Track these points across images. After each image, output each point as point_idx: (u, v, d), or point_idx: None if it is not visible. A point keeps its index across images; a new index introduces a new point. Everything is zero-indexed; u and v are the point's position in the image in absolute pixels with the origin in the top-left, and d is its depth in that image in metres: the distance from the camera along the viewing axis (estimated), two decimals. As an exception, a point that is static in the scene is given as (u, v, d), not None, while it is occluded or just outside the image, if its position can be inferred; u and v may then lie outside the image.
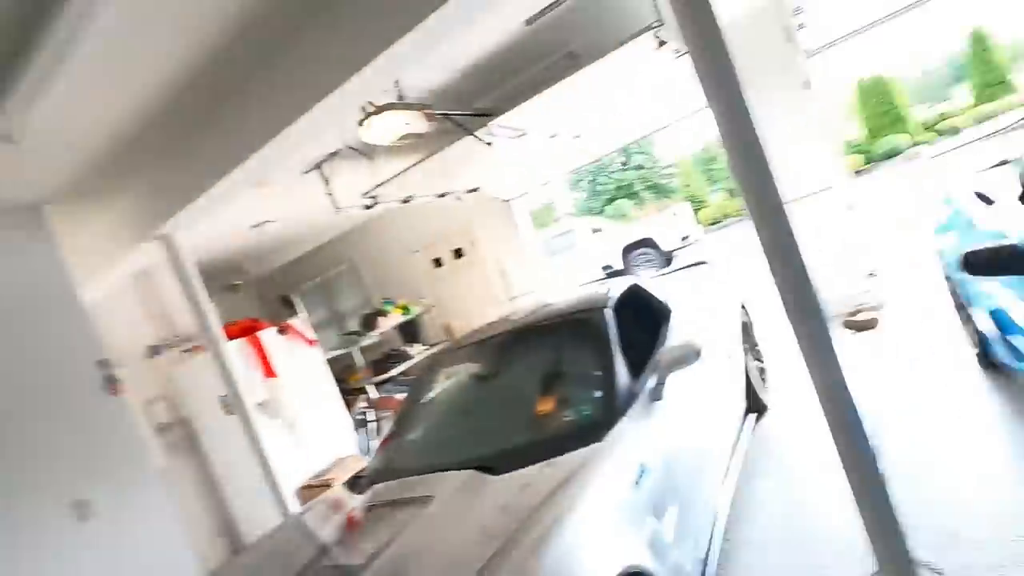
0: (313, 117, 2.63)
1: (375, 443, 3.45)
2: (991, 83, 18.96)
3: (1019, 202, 2.69)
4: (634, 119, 5.69)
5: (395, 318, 6.43)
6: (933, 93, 33.02)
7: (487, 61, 3.64)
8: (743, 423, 3.41)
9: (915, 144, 18.16)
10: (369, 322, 6.10)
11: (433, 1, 2.10)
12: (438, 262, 7.53)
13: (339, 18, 2.41)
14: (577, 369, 2.69)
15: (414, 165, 4.16)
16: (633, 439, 2.14)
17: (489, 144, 3.93)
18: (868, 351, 4.10)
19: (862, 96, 19.98)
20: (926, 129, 18.98)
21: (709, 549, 2.29)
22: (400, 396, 5.77)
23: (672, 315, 3.29)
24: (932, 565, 2.02)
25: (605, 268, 14.11)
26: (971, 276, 2.17)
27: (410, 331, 6.95)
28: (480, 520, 1.90)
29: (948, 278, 3.48)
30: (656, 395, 2.43)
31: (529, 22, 3.32)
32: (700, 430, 2.72)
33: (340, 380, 5.51)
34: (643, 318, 3.29)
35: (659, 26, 3.14)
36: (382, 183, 4.22)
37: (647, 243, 13.84)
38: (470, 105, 3.98)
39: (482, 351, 3.24)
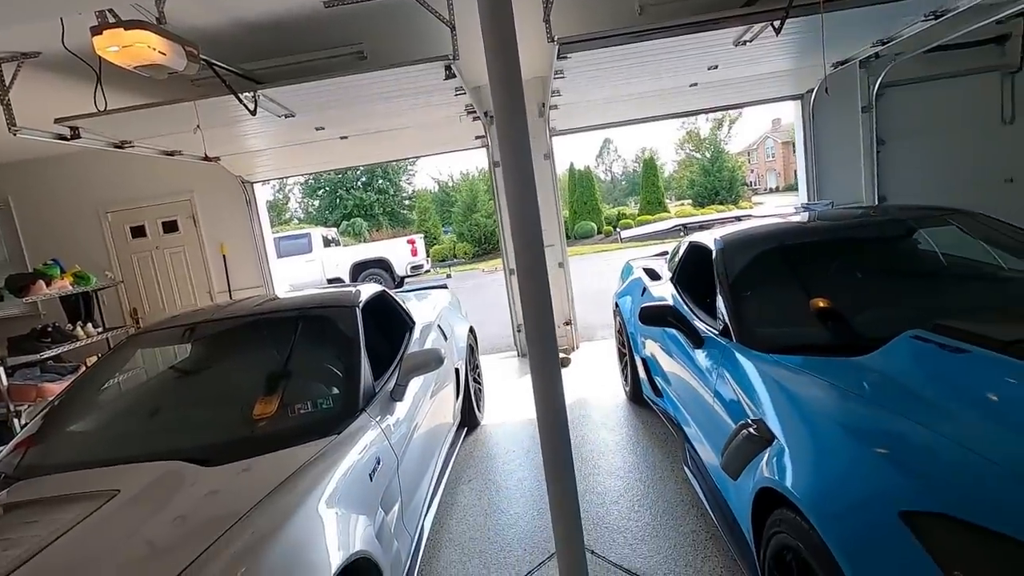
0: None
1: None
2: (652, 201, 25.35)
3: (670, 282, 3.69)
4: (398, 141, 5.84)
5: (61, 287, 5.04)
6: (613, 197, 42.24)
7: (274, 24, 3.35)
8: (459, 435, 3.72)
9: (600, 232, 22.91)
10: (19, 285, 4.64)
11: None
12: (139, 231, 6.24)
13: None
14: (318, 363, 2.58)
15: (150, 106, 3.46)
16: (371, 434, 2.16)
17: (253, 113, 3.55)
18: (558, 383, 4.93)
19: (571, 183, 24.35)
20: (607, 223, 24.06)
21: (420, 543, 2.41)
22: (48, 385, 4.52)
23: (415, 327, 3.44)
24: (590, 547, 2.53)
25: (332, 282, 13.70)
26: (642, 325, 2.89)
27: (81, 308, 5.52)
28: (186, 516, 1.64)
29: (619, 332, 4.50)
30: (397, 395, 2.51)
31: (328, 4, 3.21)
32: (428, 435, 2.87)
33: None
34: (388, 324, 3.36)
35: (452, 60, 3.39)
36: (95, 114, 3.38)
37: (381, 264, 13.98)
38: (240, 65, 3.57)
39: (202, 336, 2.83)
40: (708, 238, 3.18)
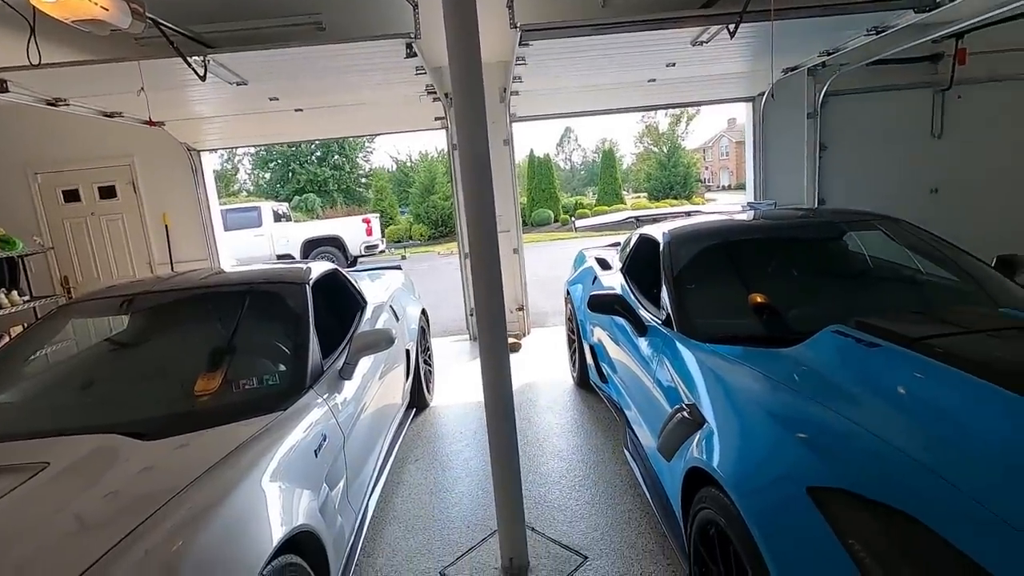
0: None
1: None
2: (610, 192, 25.73)
3: (620, 272, 3.81)
4: (356, 117, 5.71)
5: (-17, 251, 4.72)
6: (572, 186, 42.62)
7: (228, -14, 3.22)
8: (408, 416, 3.74)
9: (557, 220, 23.12)
10: (-65, 247, 4.31)
11: None
12: (73, 196, 5.88)
13: None
14: (265, 339, 2.54)
15: (89, 63, 3.25)
16: (318, 412, 2.15)
17: (202, 79, 3.40)
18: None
19: (530, 170, 24.40)
20: (564, 212, 24.26)
21: (364, 519, 2.44)
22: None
23: (367, 307, 3.42)
24: (530, 524, 2.62)
25: (281, 259, 13.32)
26: (592, 313, 2.98)
27: (5, 274, 5.18)
28: (119, 491, 1.60)
29: (570, 319, 4.60)
30: (346, 374, 2.51)
31: (286, -29, 3.11)
32: (376, 414, 2.88)
33: None
34: (339, 303, 3.33)
35: (413, 38, 3.35)
36: (27, 67, 3.16)
37: (334, 242, 13.67)
38: (189, 27, 3.40)
39: (142, 308, 2.74)
40: (657, 231, 3.29)
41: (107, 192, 5.90)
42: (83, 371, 2.49)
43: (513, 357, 5.28)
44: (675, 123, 37.18)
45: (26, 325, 5.02)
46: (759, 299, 2.53)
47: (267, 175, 31.12)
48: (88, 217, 5.95)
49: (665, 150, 32.99)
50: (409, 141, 47.78)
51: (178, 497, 1.49)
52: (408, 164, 30.26)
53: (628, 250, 3.84)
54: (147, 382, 2.34)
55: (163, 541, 1.34)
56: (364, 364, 2.76)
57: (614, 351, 3.26)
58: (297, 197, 27.85)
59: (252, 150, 31.08)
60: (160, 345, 2.65)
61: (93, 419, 2.08)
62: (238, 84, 3.96)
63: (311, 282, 2.82)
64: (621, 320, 2.93)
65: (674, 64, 4.64)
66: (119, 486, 1.62)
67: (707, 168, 49.53)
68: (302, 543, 1.71)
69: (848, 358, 1.85)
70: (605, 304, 2.79)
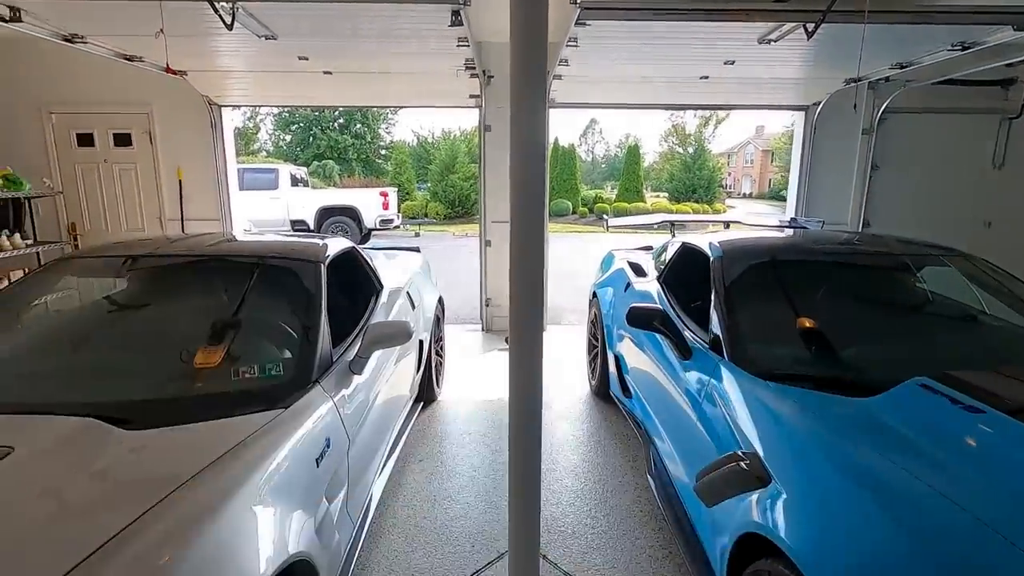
0: None
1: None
2: (631, 188, 25.28)
3: (656, 281, 3.54)
4: (387, 87, 5.42)
5: (-12, 189, 4.50)
6: (591, 179, 42.10)
7: (265, -73, 2.93)
8: (414, 410, 3.51)
9: (575, 211, 22.76)
10: (-63, 180, 4.10)
11: None
12: (87, 140, 5.65)
13: None
14: (272, 322, 2.30)
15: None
16: (323, 411, 1.92)
17: (229, 28, 3.14)
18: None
19: (553, 159, 23.95)
20: (583, 204, 23.85)
21: (363, 529, 2.22)
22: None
23: (383, 291, 3.18)
24: (543, 551, 2.39)
25: (295, 224, 13.12)
26: (629, 326, 2.73)
27: (9, 215, 4.98)
28: (90, 495, 1.38)
29: (593, 322, 4.34)
30: (357, 368, 2.27)
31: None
32: (383, 411, 2.65)
33: None
34: (353, 285, 3.10)
35: (462, 4, 3.06)
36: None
37: (349, 212, 13.43)
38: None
39: (144, 271, 2.51)
40: (703, 242, 3.02)
41: (122, 140, 5.66)
42: (69, 336, 2.26)
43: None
44: (703, 125, 36.47)
45: (27, 271, 4.83)
46: (823, 334, 2.26)
47: (288, 137, 30.87)
48: (101, 164, 5.72)
49: (691, 151, 32.37)
50: (433, 117, 47.19)
51: (154, 511, 1.26)
52: (430, 141, 29.87)
53: (666, 258, 3.57)
54: (138, 356, 2.10)
55: (126, 572, 1.11)
56: (375, 355, 2.52)
57: (645, 367, 3.01)
58: (316, 162, 27.60)
59: (275, 110, 30.81)
60: (156, 316, 2.41)
61: (73, 395, 1.85)
62: (267, 38, 3.68)
63: (327, 261, 2.58)
64: (659, 336, 2.67)
65: (733, 62, 4.31)
66: (88, 488, 1.39)
67: (730, 174, 48.73)
68: (295, 571, 1.48)
69: (943, 421, 1.58)
70: (645, 319, 2.53)
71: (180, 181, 5.74)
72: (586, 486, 2.94)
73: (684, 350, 2.43)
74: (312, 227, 13.20)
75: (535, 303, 1.93)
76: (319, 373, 2.08)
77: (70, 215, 5.79)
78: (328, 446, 1.85)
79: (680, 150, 34.60)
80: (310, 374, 2.04)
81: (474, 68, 4.70)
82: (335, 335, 2.35)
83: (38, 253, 5.14)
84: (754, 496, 1.57)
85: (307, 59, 4.40)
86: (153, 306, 2.49)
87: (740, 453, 1.70)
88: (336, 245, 2.89)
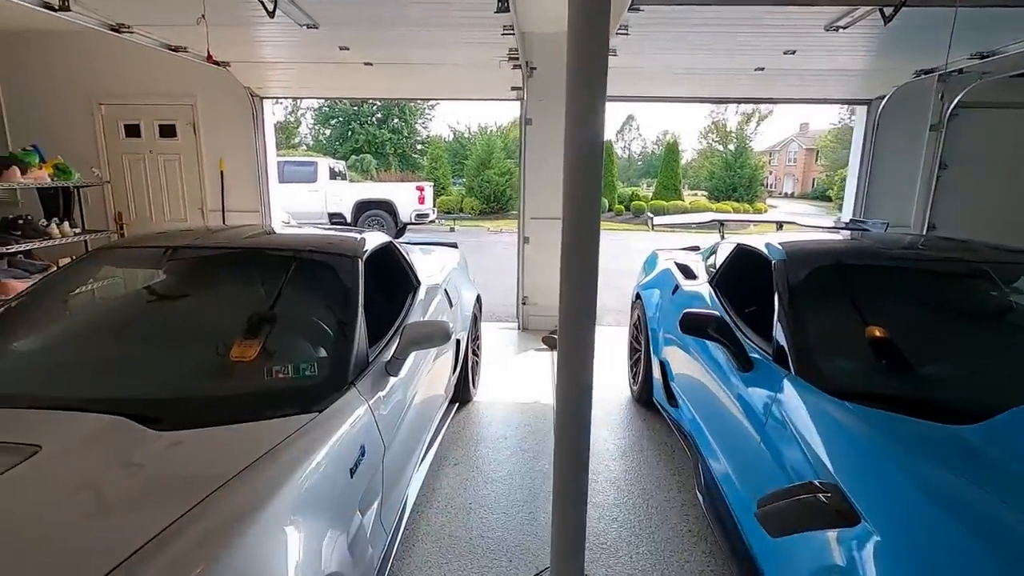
0: None
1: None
2: (668, 186, 24.73)
3: (708, 284, 3.33)
4: (427, 78, 5.32)
5: (39, 177, 4.59)
6: (627, 176, 41.44)
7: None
8: (449, 411, 3.41)
9: (611, 209, 22.39)
10: (-10, 169, 4.20)
11: None
12: (134, 131, 5.75)
13: None
14: (307, 320, 2.22)
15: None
16: (359, 416, 1.81)
17: (271, 15, 3.07)
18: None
19: (592, 155, 23.55)
20: (619, 202, 23.42)
21: (395, 540, 2.12)
22: (12, 282, 4.14)
23: (419, 289, 3.07)
24: (586, 570, 2.24)
25: (332, 217, 13.24)
26: (682, 332, 2.55)
27: (59, 203, 5.08)
28: (118, 495, 1.31)
29: (636, 325, 4.15)
30: (393, 369, 2.16)
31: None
32: (419, 414, 2.54)
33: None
34: (390, 281, 3.00)
35: (509, -9, 2.92)
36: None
37: (385, 206, 13.48)
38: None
39: (180, 263, 2.46)
40: (760, 243, 2.80)
41: (167, 131, 5.73)
42: (101, 328, 2.22)
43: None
44: (745, 122, 35.40)
45: (74, 259, 4.92)
46: (906, 349, 2.04)
47: (327, 132, 31.33)
48: (147, 154, 5.80)
49: (732, 149, 31.46)
50: (470, 112, 47.34)
51: (177, 525, 1.17)
52: (466, 136, 29.88)
53: (718, 260, 3.36)
54: (171, 352, 2.04)
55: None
56: (413, 354, 2.41)
57: (695, 375, 2.82)
58: (354, 156, 27.93)
59: (315, 104, 31.31)
60: (190, 308, 2.35)
61: (103, 390, 1.79)
62: (308, 27, 3.62)
63: (364, 256, 2.48)
64: (712, 344, 2.48)
65: (794, 52, 4.05)
66: (113, 492, 1.32)
67: (771, 173, 47.23)
68: (324, 592, 1.37)
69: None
70: (700, 326, 2.34)
71: (222, 172, 5.78)
72: (629, 499, 2.78)
73: (744, 361, 2.24)
74: (349, 220, 13.30)
75: (587, 315, 1.79)
76: (355, 374, 1.97)
77: (117, 204, 5.90)
78: (363, 454, 1.74)
79: (720, 147, 33.71)
80: (346, 375, 1.94)
81: (517, 59, 4.56)
82: (371, 333, 2.25)
83: (86, 241, 5.24)
84: (833, 534, 1.38)
85: (348, 49, 4.33)
86: (187, 299, 2.43)
87: (818, 483, 1.51)
88: (374, 239, 2.80)
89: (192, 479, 1.35)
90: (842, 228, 4.33)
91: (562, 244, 1.79)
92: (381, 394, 2.04)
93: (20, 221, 4.45)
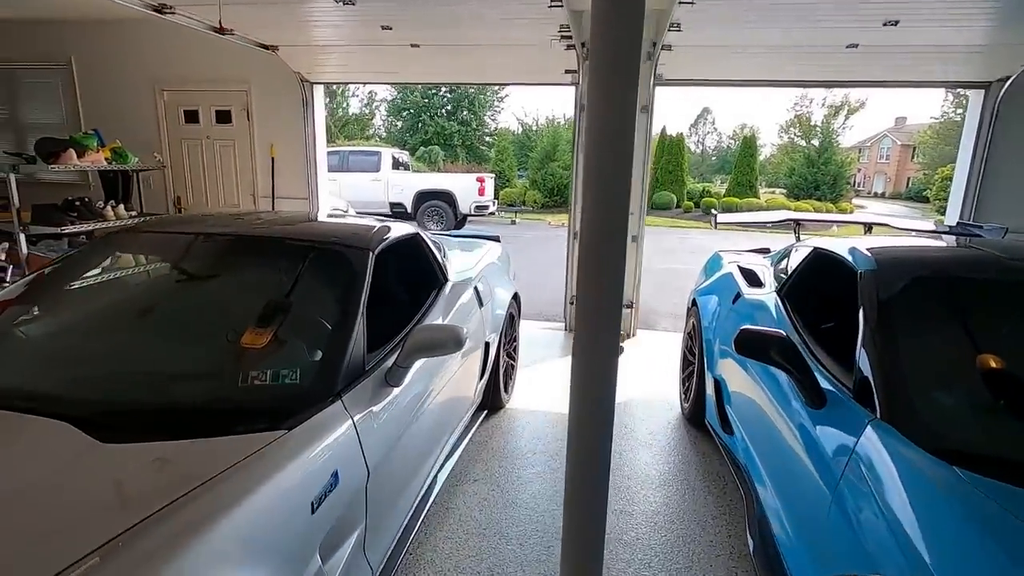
0: None
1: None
2: (743, 183, 23.35)
3: (775, 294, 2.86)
4: (476, 61, 5.03)
5: (96, 159, 4.71)
6: (700, 171, 39.68)
7: None
8: (476, 419, 3.14)
9: (679, 205, 21.40)
10: (49, 151, 4.31)
11: None
12: (193, 117, 5.85)
13: None
14: (297, 315, 1.98)
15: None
16: (336, 436, 1.55)
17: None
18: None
19: (659, 148, 22.66)
20: (688, 198, 22.34)
21: (395, 562, 1.86)
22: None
23: (446, 285, 2.80)
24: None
25: (394, 207, 13.31)
26: (737, 353, 2.14)
27: (118, 187, 5.22)
28: (23, 526, 1.12)
29: (690, 334, 3.70)
30: (395, 379, 1.89)
31: None
32: (430, 427, 2.28)
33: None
34: (413, 277, 2.75)
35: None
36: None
37: (445, 196, 13.41)
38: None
39: (177, 252, 2.32)
40: (844, 248, 2.33)
41: (223, 117, 5.79)
42: (81, 320, 2.08)
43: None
44: (832, 115, 32.84)
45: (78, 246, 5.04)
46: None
47: (399, 123, 31.91)
48: (204, 140, 5.89)
49: (816, 144, 29.27)
50: (538, 103, 47.03)
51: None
52: (533, 128, 29.53)
53: (790, 266, 2.88)
54: (143, 350, 1.86)
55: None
56: (421, 362, 2.13)
57: (754, 399, 2.39)
58: (423, 148, 28.26)
59: (388, 96, 31.98)
60: (170, 302, 2.18)
61: (61, 388, 1.63)
62: (344, 3, 3.41)
63: (378, 249, 2.23)
64: (777, 370, 2.06)
65: (896, 23, 3.43)
66: (27, 519, 1.13)
67: (860, 170, 43.75)
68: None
69: None
70: (760, 348, 1.92)
71: (272, 159, 5.77)
72: (667, 540, 2.39)
73: (815, 394, 1.80)
74: (409, 210, 13.34)
75: (609, 326, 1.45)
76: (344, 384, 1.72)
77: (176, 189, 6.03)
78: (335, 482, 1.48)
79: (803, 143, 31.52)
80: (332, 385, 1.69)
81: (570, 38, 4.18)
82: (378, 336, 2.00)
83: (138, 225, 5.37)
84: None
85: (391, 29, 4.11)
86: (166, 292, 2.26)
87: (911, 582, 1.10)
88: (396, 230, 2.55)
89: (107, 510, 1.14)
90: (947, 233, 3.68)
91: (580, 237, 1.46)
92: (375, 408, 1.77)
93: (78, 203, 4.57)
